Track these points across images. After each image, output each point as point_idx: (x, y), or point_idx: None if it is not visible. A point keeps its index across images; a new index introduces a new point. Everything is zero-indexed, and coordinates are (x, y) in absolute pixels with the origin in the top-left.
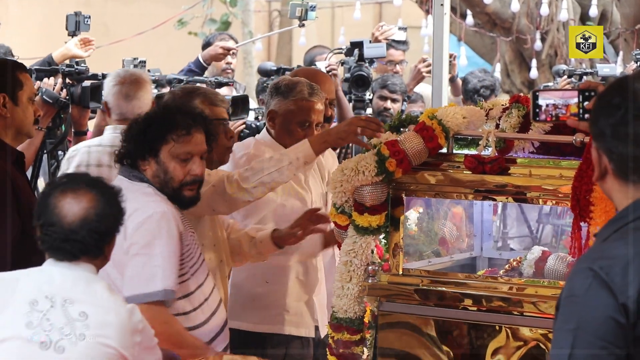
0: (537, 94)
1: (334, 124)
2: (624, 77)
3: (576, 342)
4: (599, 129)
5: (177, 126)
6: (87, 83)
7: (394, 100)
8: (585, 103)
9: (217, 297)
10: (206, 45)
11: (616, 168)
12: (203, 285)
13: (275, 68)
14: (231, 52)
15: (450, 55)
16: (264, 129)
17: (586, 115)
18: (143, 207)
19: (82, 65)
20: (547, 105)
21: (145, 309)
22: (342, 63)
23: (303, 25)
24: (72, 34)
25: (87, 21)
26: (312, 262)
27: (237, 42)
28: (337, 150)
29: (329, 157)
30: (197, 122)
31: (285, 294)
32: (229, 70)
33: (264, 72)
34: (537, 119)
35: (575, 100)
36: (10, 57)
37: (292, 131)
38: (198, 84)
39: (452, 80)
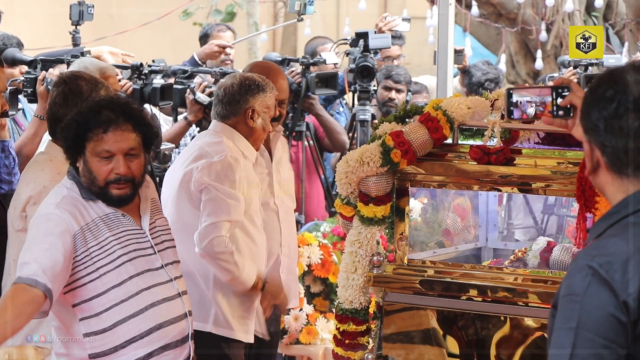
0: (511, 91)
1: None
2: (615, 69)
3: (577, 341)
4: (592, 123)
5: (96, 123)
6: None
7: (398, 91)
8: (559, 100)
9: (146, 300)
10: (203, 36)
11: (610, 161)
12: (118, 287)
13: (280, 59)
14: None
15: (461, 50)
16: (219, 124)
17: (560, 112)
18: (42, 208)
19: (88, 56)
20: (521, 103)
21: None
22: (347, 54)
23: (302, 19)
24: (76, 24)
25: (91, 10)
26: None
27: (234, 33)
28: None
29: (280, 147)
30: (120, 118)
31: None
32: (228, 62)
33: None
34: (512, 117)
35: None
36: (20, 48)
37: (267, 124)
38: (199, 75)
39: (464, 71)
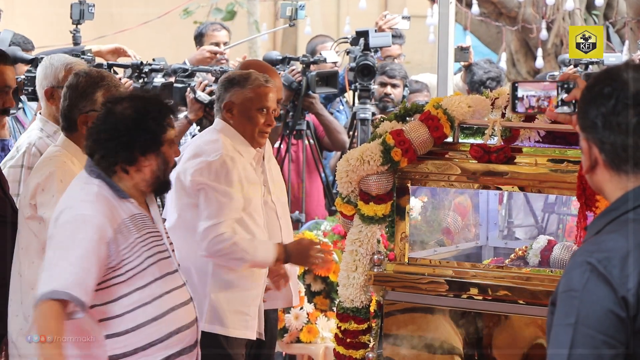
0: (517, 85)
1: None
2: (612, 67)
3: (576, 337)
4: (590, 120)
5: (170, 116)
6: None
7: (394, 86)
8: (564, 95)
9: (167, 303)
10: (198, 36)
11: (608, 159)
12: (142, 289)
13: (280, 57)
14: (221, 44)
15: (467, 48)
16: (220, 121)
17: (564, 107)
18: (74, 205)
19: (89, 54)
20: (526, 97)
21: (45, 303)
22: (348, 52)
23: (293, 24)
24: (77, 23)
25: (92, 10)
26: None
27: (229, 32)
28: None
29: (267, 145)
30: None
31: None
32: (223, 61)
33: (269, 62)
34: (516, 110)
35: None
36: (26, 46)
37: (252, 117)
38: (196, 72)
39: (466, 67)
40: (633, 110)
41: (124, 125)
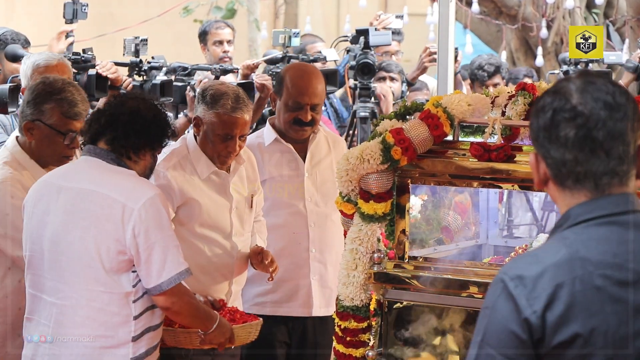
0: None
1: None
2: (563, 78)
3: (480, 355)
4: (534, 133)
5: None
6: (92, 72)
7: (392, 79)
8: None
9: None
10: (202, 34)
11: (552, 173)
12: None
13: (280, 56)
14: (225, 42)
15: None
16: (191, 133)
17: None
18: (141, 187)
19: (89, 53)
20: None
21: (177, 288)
22: (348, 51)
23: (287, 52)
24: (70, 22)
25: (85, 9)
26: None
27: (234, 30)
28: (344, 136)
29: (320, 150)
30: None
31: None
32: (227, 59)
33: (269, 61)
34: None
35: None
36: (27, 45)
37: (214, 142)
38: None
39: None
40: (571, 123)
41: (143, 114)
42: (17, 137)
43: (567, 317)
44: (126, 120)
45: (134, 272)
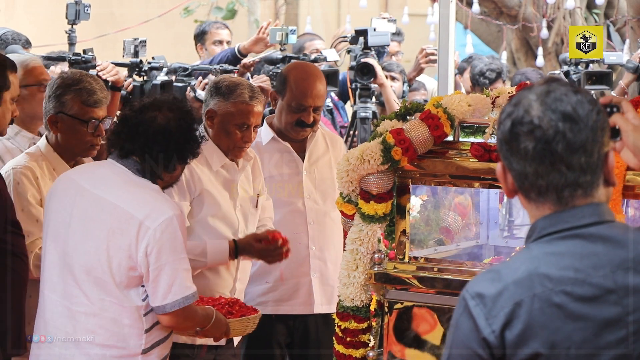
0: None
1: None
2: (528, 87)
3: None
4: (498, 144)
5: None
6: (92, 72)
7: (393, 79)
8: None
9: None
10: (200, 34)
11: (517, 185)
12: None
13: (280, 56)
14: (224, 43)
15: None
16: (201, 128)
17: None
18: (161, 206)
19: (90, 54)
20: None
21: (182, 310)
22: (348, 51)
23: (284, 49)
24: (72, 23)
25: (87, 10)
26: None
27: (231, 32)
28: (344, 138)
29: (318, 148)
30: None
31: None
32: None
33: (270, 61)
34: None
35: None
36: (28, 46)
37: (230, 132)
38: (196, 70)
39: (467, 61)
40: (530, 136)
41: (175, 131)
42: (45, 135)
43: (527, 335)
44: (159, 139)
45: (143, 286)
